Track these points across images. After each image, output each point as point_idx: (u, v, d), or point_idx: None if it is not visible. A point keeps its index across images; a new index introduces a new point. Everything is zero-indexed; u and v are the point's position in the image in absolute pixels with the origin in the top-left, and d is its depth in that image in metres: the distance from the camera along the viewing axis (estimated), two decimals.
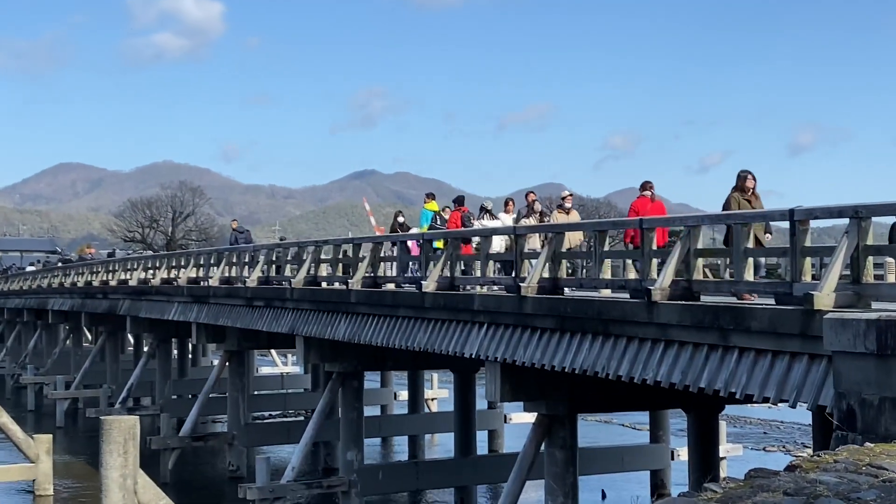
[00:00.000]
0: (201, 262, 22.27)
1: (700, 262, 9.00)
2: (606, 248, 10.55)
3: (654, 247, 9.60)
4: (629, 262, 11.37)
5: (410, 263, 14.45)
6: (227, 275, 20.37)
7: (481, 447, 20.02)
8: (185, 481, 20.49)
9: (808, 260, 7.99)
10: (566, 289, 10.73)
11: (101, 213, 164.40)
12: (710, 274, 10.45)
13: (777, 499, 3.59)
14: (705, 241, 9.40)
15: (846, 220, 7.46)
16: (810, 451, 13.66)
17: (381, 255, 15.11)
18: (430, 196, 16.86)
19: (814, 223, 7.99)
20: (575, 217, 13.72)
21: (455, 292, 12.30)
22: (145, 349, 28.68)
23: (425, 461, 19.98)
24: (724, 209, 9.47)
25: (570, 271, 12.62)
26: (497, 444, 22.45)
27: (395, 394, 26.84)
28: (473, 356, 11.64)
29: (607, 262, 10.47)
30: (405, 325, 13.10)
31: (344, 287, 14.82)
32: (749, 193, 9.51)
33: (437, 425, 22.69)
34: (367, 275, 14.49)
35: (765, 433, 26.33)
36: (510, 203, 14.96)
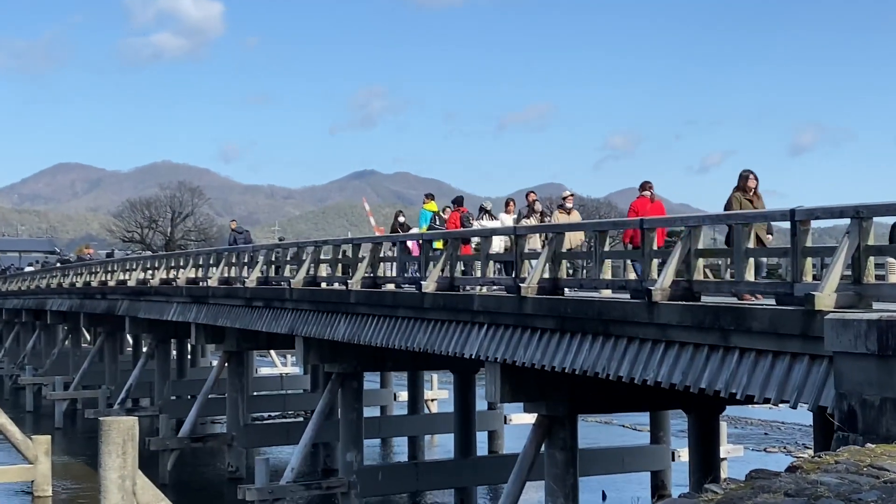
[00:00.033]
0: (200, 263, 22.24)
1: (701, 262, 8.98)
2: (607, 248, 10.54)
3: (655, 247, 9.58)
4: (629, 262, 11.35)
5: (408, 263, 14.43)
6: (226, 275, 20.34)
7: (481, 448, 20.00)
8: (184, 482, 20.46)
9: (809, 260, 7.98)
10: (566, 289, 10.71)
11: (99, 214, 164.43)
12: (710, 274, 10.42)
13: (778, 500, 3.57)
14: (706, 241, 9.38)
15: (847, 221, 7.44)
16: (811, 451, 13.64)
17: (381, 255, 15.09)
18: (430, 196, 16.84)
19: (815, 223, 7.98)
20: (576, 217, 13.69)
21: (455, 293, 12.28)
22: (144, 350, 28.64)
23: (425, 462, 19.95)
24: (725, 209, 9.45)
25: (570, 272, 12.61)
26: (497, 444, 22.43)
27: (394, 394, 26.82)
28: (473, 357, 11.62)
29: (608, 262, 10.45)
30: (405, 326, 13.07)
31: (343, 287, 14.79)
32: (751, 193, 9.48)
33: (437, 426, 22.66)
34: (366, 275, 14.47)
35: (766, 434, 26.32)
36: (511, 203, 14.93)
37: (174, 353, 29.32)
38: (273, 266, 18.68)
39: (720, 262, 10.75)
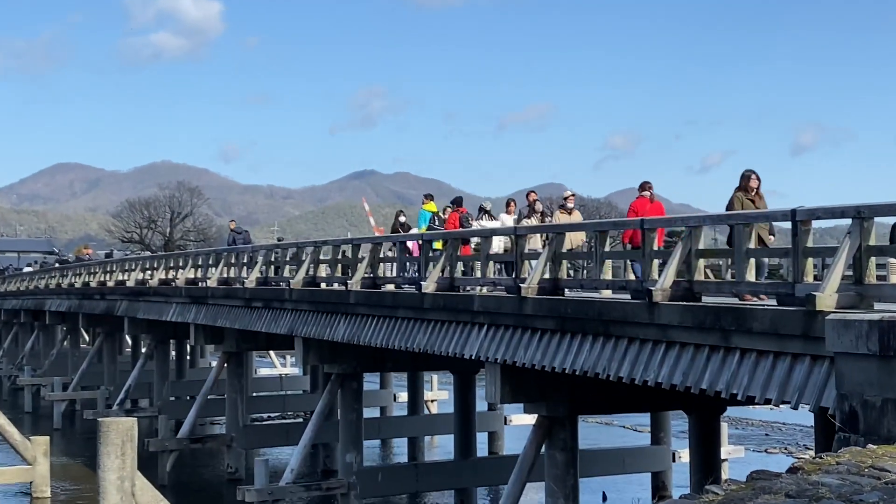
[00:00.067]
0: (199, 263, 22.22)
1: (701, 262, 8.96)
2: (607, 248, 10.51)
3: (655, 247, 9.56)
4: (629, 263, 11.32)
5: (409, 264, 14.41)
6: (225, 275, 20.32)
7: (481, 449, 19.97)
8: (183, 483, 20.43)
9: (811, 260, 7.96)
10: (567, 290, 10.69)
11: (98, 214, 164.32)
12: (711, 275, 10.40)
13: (779, 501, 3.57)
14: (706, 241, 9.36)
15: (848, 221, 7.42)
16: (812, 452, 13.63)
17: (381, 255, 15.07)
18: (429, 197, 16.82)
19: (816, 223, 7.96)
20: (577, 217, 13.67)
21: (455, 293, 12.26)
22: (143, 350, 28.61)
23: (425, 463, 19.92)
24: (727, 209, 9.42)
25: (570, 272, 12.56)
26: (497, 445, 22.40)
27: (394, 395, 26.79)
28: (473, 357, 11.60)
29: (608, 262, 10.42)
30: (405, 326, 13.05)
31: (343, 288, 14.77)
32: (753, 193, 9.45)
33: (437, 427, 22.62)
34: (366, 275, 14.45)
35: (766, 435, 26.30)
36: (512, 204, 14.89)
37: (173, 353, 29.29)
38: (272, 266, 18.65)
39: (721, 263, 10.74)
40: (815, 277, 8.00)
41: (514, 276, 11.21)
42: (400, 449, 24.16)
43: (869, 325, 6.36)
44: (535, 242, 12.29)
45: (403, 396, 25.64)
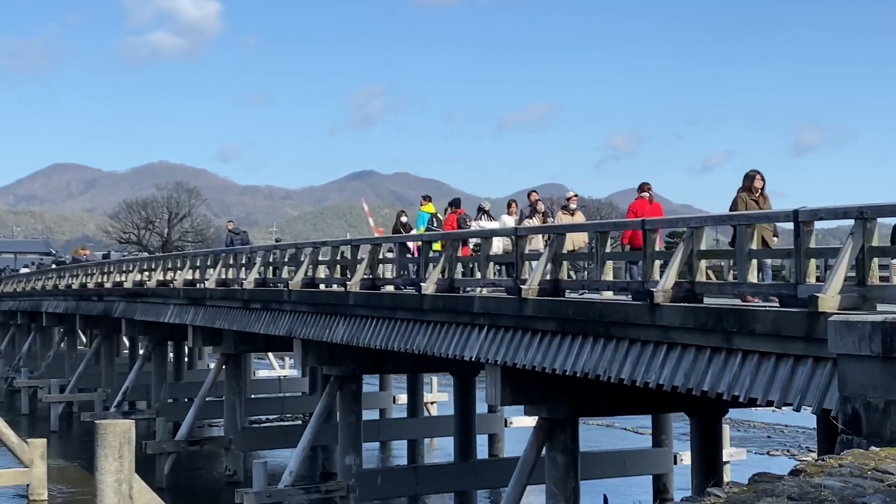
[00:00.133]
0: (198, 264, 22.15)
1: (703, 263, 8.92)
2: (608, 249, 10.46)
3: (656, 248, 9.52)
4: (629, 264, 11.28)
5: (410, 265, 14.35)
6: (223, 277, 20.25)
7: (481, 451, 19.93)
8: (181, 486, 20.37)
9: (813, 261, 7.92)
10: (567, 291, 10.64)
11: (96, 215, 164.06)
12: (713, 276, 10.36)
13: (781, 503, 3.51)
14: (708, 242, 9.32)
15: (851, 221, 7.38)
16: (815, 455, 13.58)
17: (380, 256, 15.01)
18: (427, 198, 16.77)
19: (818, 224, 7.92)
20: (580, 218, 13.58)
21: (455, 294, 12.21)
22: (141, 352, 28.53)
23: (425, 466, 19.85)
24: (731, 210, 9.37)
25: (571, 273, 12.51)
26: (497, 448, 22.35)
27: (393, 397, 26.72)
28: (473, 359, 11.55)
29: (609, 263, 10.38)
30: (404, 328, 13.00)
31: (342, 289, 14.72)
32: (757, 194, 9.39)
33: (437, 429, 22.57)
34: (365, 276, 14.39)
35: (769, 437, 26.25)
36: (513, 205, 14.83)
37: (171, 355, 29.19)
38: (271, 267, 18.59)
39: (723, 264, 10.69)
40: (818, 279, 7.96)
41: (514, 277, 11.16)
42: (399, 451, 24.09)
43: (872, 327, 6.33)
44: (538, 243, 12.23)
45: (403, 398, 25.57)
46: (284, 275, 18.02)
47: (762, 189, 9.45)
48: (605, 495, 18.39)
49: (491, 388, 11.29)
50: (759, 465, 19.56)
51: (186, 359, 32.43)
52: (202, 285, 21.00)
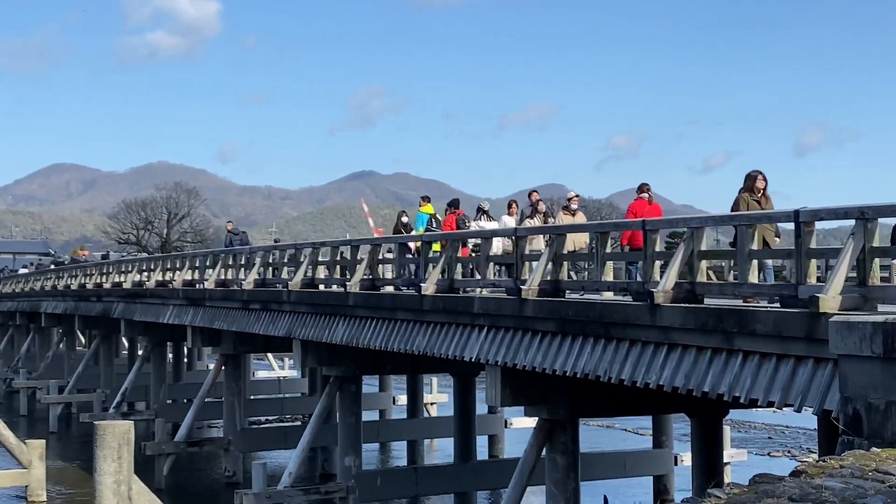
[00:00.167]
0: (197, 265, 22.13)
1: (704, 264, 8.91)
2: (608, 250, 10.45)
3: (656, 248, 9.51)
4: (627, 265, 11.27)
5: (411, 265, 14.33)
6: (222, 277, 20.23)
7: (481, 452, 19.91)
8: (180, 487, 20.35)
9: (814, 262, 7.91)
10: (567, 291, 10.63)
11: (94, 215, 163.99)
12: (713, 276, 10.35)
13: None
14: (708, 242, 9.31)
15: (852, 222, 7.37)
16: (815, 456, 13.58)
17: (380, 257, 15.00)
18: (426, 199, 16.75)
19: (819, 224, 7.91)
20: (581, 219, 13.57)
21: (455, 295, 12.19)
22: (140, 353, 28.51)
23: (424, 467, 19.83)
24: (732, 210, 9.36)
25: (571, 273, 12.50)
26: (497, 449, 22.33)
27: (393, 398, 26.70)
28: (473, 360, 11.53)
29: (609, 264, 10.36)
30: (404, 328, 12.98)
31: (342, 289, 14.69)
32: (759, 194, 9.37)
33: (437, 430, 22.56)
34: (365, 277, 14.37)
35: (769, 438, 26.24)
36: (513, 205, 14.81)
37: (170, 356, 29.16)
38: (270, 268, 18.56)
39: (723, 265, 10.67)
40: (819, 279, 7.95)
41: (514, 277, 11.14)
42: (399, 452, 24.07)
43: (873, 328, 6.32)
44: (538, 243, 12.21)
45: (403, 399, 25.55)
46: (284, 275, 18.00)
47: (764, 189, 9.43)
48: (605, 496, 18.35)
49: (491, 388, 11.27)
50: (760, 466, 19.56)
51: (185, 359, 32.40)
52: (201, 286, 20.97)
